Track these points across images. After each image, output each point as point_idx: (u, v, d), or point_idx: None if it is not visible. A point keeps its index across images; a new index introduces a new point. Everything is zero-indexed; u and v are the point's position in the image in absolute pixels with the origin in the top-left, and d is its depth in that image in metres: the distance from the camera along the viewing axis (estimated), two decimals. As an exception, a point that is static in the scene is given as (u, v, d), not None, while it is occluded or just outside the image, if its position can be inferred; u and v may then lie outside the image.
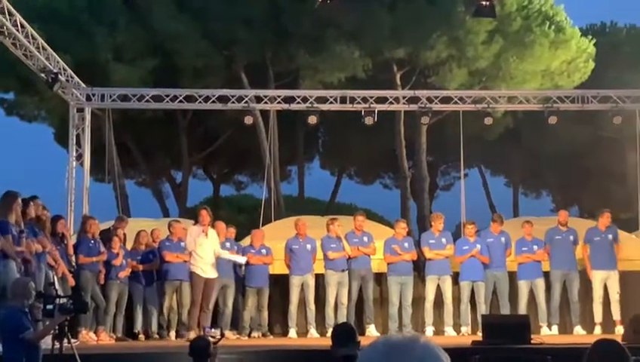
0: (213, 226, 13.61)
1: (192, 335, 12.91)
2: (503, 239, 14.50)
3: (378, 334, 13.74)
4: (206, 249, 12.98)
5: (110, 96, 17.29)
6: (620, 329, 13.10)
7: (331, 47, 23.55)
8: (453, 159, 30.69)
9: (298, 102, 17.51)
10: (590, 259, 14.35)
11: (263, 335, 14.15)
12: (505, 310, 14.14)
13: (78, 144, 17.15)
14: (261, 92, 18.47)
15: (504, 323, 11.88)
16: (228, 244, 14.05)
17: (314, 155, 35.30)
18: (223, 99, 17.41)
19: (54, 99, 19.54)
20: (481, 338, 11.27)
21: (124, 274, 13.44)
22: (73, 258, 12.66)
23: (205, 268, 12.97)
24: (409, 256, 14.26)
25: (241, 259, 13.77)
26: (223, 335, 8.40)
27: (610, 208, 15.46)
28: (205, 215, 13.14)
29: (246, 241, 15.17)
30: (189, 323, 13.17)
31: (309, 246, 14.27)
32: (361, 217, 14.69)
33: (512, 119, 26.61)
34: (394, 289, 14.15)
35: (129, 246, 14.05)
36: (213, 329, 8.13)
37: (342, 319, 13.47)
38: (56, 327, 7.91)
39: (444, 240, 14.39)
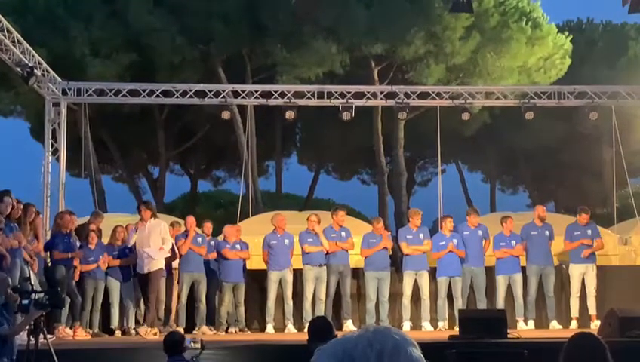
0: (186, 221, 13.74)
1: (142, 331, 12.89)
2: (480, 232, 14.52)
3: (355, 329, 13.73)
4: (142, 244, 12.83)
5: (86, 91, 17.18)
6: (596, 324, 13.17)
7: (308, 42, 23.54)
8: (431, 155, 30.80)
9: (275, 97, 17.48)
10: (569, 252, 14.44)
11: (241, 330, 14.11)
12: (481, 304, 14.17)
13: (54, 139, 17.04)
14: (238, 87, 18.43)
15: (481, 317, 11.92)
16: (199, 239, 14.02)
17: (291, 151, 35.31)
18: (200, 94, 17.35)
19: (30, 93, 19.40)
20: (457, 333, 11.29)
21: (102, 264, 13.36)
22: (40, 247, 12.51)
23: (141, 263, 12.82)
24: (383, 244, 14.23)
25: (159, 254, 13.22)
26: (203, 347, 8.25)
27: (586, 204, 15.55)
28: (143, 210, 13.04)
29: (221, 237, 15.12)
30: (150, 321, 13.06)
31: (287, 242, 14.24)
32: (342, 212, 14.66)
33: (489, 115, 26.71)
34: (371, 285, 14.15)
35: (105, 241, 13.97)
36: (192, 343, 8.01)
37: (319, 314, 13.43)
38: (32, 322, 7.85)
39: (421, 235, 14.40)
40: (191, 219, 14.24)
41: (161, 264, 13.01)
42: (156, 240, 12.88)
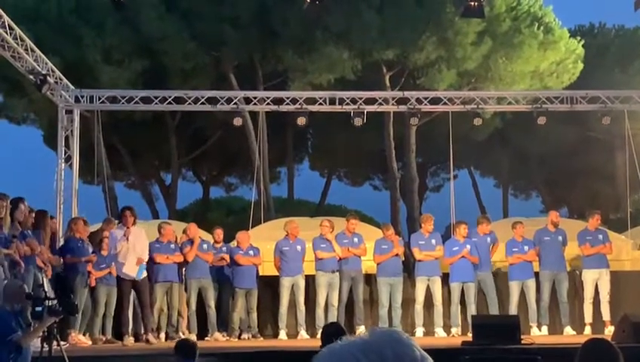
0: (188, 230, 14.12)
1: (129, 340, 12.87)
2: (488, 239, 14.51)
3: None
4: (130, 250, 12.84)
5: (99, 98, 17.23)
6: (610, 330, 13.11)
7: (320, 48, 23.56)
8: (443, 160, 30.74)
9: (287, 104, 17.49)
10: (582, 258, 14.43)
11: (253, 336, 14.11)
12: (494, 309, 14.13)
13: (67, 146, 17.09)
14: (250, 93, 18.46)
15: (494, 323, 11.89)
16: (205, 246, 14.06)
17: (303, 157, 35.34)
18: (212, 100, 17.37)
19: (43, 101, 19.48)
20: (471, 339, 11.27)
21: (114, 270, 13.38)
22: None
23: (130, 271, 12.79)
24: (395, 251, 14.21)
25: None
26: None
27: (600, 209, 15.50)
28: (128, 216, 13.01)
29: (234, 244, 15.13)
30: (124, 329, 13.03)
31: (298, 248, 14.24)
32: (354, 220, 14.65)
33: (501, 120, 26.67)
34: (384, 291, 14.13)
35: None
36: None
37: (332, 320, 13.41)
38: (46, 329, 7.87)
39: (433, 241, 14.38)
40: (193, 227, 14.30)
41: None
42: (141, 246, 12.98)
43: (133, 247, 12.89)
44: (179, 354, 7.66)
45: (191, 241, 13.96)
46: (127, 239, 12.86)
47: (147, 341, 12.86)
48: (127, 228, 12.96)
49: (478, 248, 14.32)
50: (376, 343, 1.92)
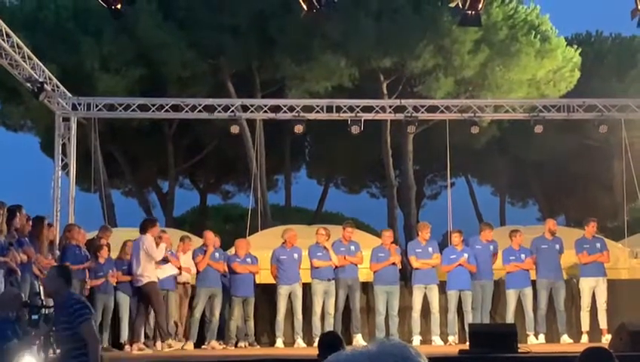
0: (205, 237, 14.38)
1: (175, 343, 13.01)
2: (491, 247, 14.49)
3: (365, 344, 13.67)
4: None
5: (96, 106, 17.23)
6: (607, 338, 13.10)
7: (318, 56, 23.58)
8: (440, 168, 30.76)
9: (284, 112, 17.50)
10: (579, 266, 14.43)
11: (250, 344, 14.09)
12: (485, 318, 14.12)
13: (64, 153, 17.09)
14: (247, 101, 18.46)
15: (491, 332, 11.87)
16: (217, 254, 14.13)
17: (300, 164, 35.32)
18: (209, 108, 17.38)
19: (40, 108, 19.46)
20: (468, 348, 11.26)
21: (112, 278, 13.40)
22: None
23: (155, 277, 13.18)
24: (392, 260, 14.20)
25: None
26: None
27: (597, 217, 15.50)
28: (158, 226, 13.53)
29: (232, 251, 15.13)
30: (168, 331, 13.15)
31: (295, 256, 14.22)
32: (350, 228, 14.62)
33: (498, 128, 26.69)
34: (380, 299, 14.12)
35: (114, 255, 13.97)
36: None
37: (329, 328, 13.40)
38: (42, 337, 7.85)
39: (430, 249, 14.37)
40: (210, 235, 14.29)
41: None
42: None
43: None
44: (61, 277, 7.49)
45: (204, 249, 14.00)
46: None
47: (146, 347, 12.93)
48: (160, 236, 13.19)
49: (480, 256, 14.31)
50: (380, 358, 1.91)
